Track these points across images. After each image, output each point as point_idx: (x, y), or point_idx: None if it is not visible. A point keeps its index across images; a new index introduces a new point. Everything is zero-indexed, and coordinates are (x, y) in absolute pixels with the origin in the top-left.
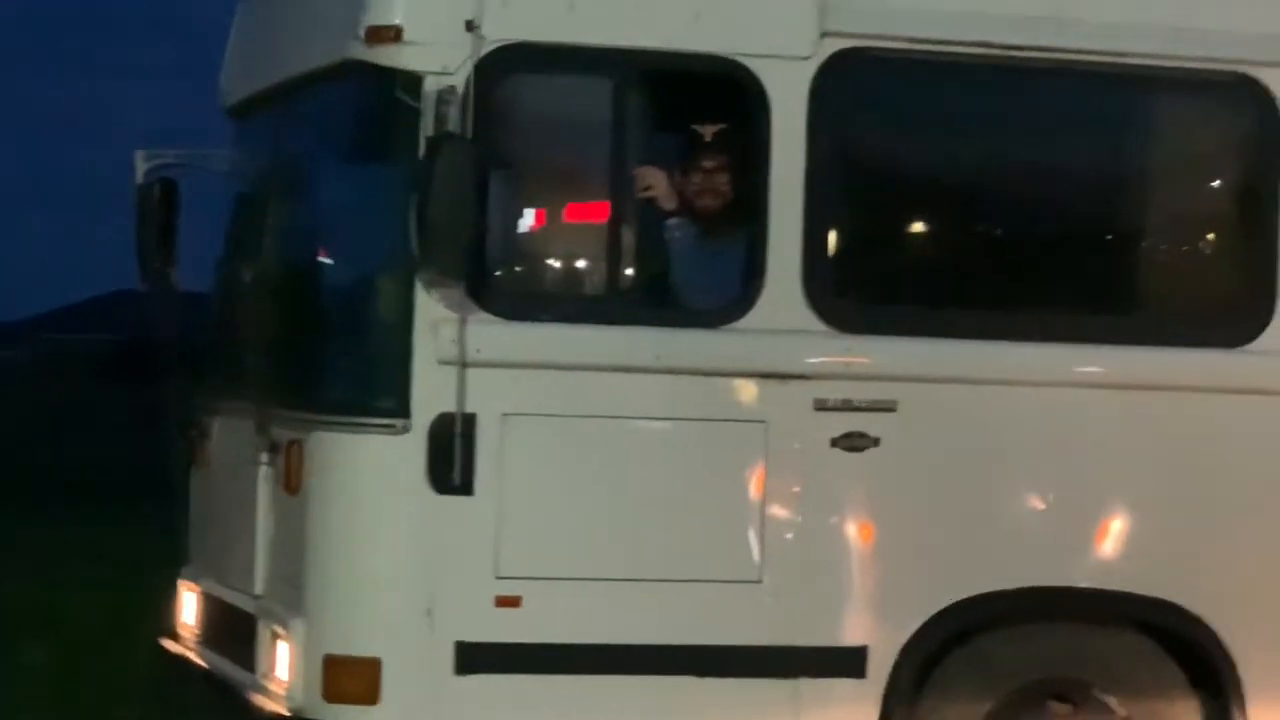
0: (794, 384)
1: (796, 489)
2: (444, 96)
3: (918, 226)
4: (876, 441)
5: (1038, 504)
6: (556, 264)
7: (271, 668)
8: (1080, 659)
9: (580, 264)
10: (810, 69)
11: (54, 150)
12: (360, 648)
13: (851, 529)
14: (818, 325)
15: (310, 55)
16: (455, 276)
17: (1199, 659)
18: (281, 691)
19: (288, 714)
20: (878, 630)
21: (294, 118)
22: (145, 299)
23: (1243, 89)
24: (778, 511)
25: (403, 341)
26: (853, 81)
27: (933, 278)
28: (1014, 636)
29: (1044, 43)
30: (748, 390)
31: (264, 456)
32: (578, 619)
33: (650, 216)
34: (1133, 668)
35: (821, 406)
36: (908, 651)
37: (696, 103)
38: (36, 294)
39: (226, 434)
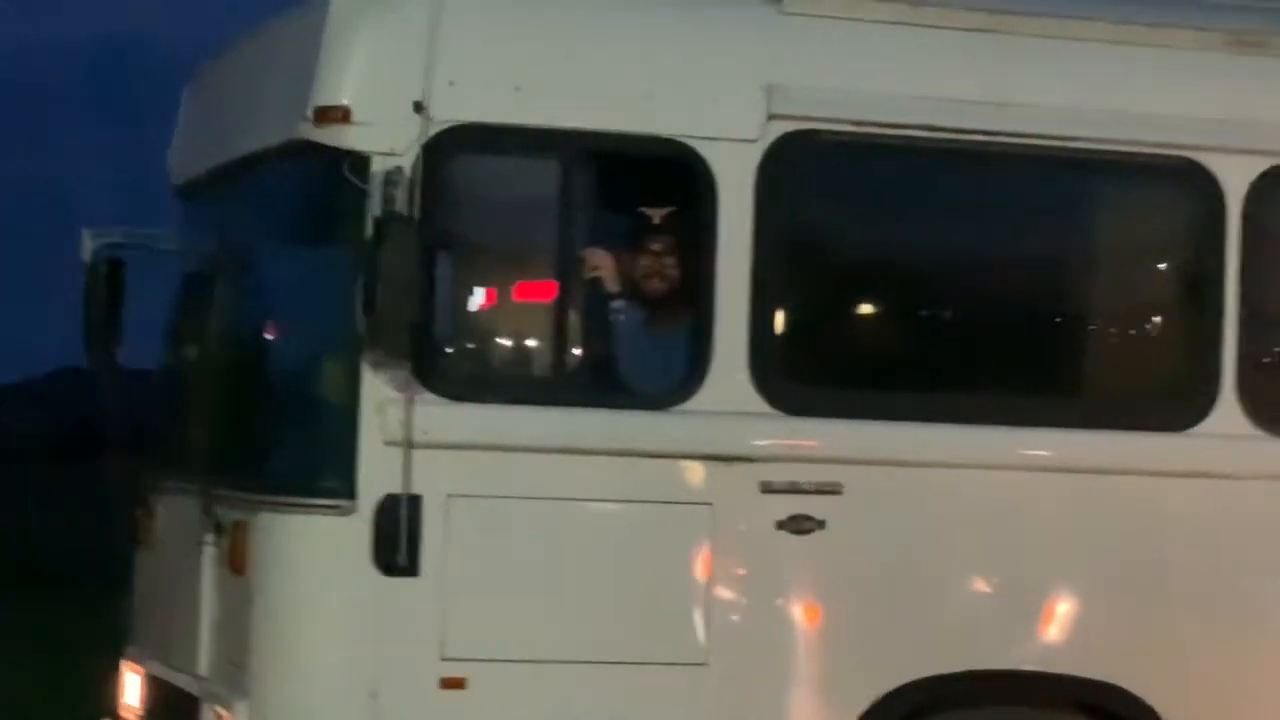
0: (740, 466)
1: (742, 571)
2: (391, 177)
3: (864, 309)
4: (822, 524)
5: (983, 587)
6: (503, 345)
7: None
8: None
9: (527, 345)
10: (757, 151)
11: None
12: None
13: (797, 612)
14: (764, 407)
15: (258, 135)
16: (402, 357)
17: None
18: None
19: None
20: (823, 714)
21: (242, 197)
22: (92, 377)
23: (1188, 173)
24: (724, 594)
25: (349, 422)
26: (799, 164)
27: (879, 360)
28: None
29: (988, 126)
30: (694, 472)
31: (209, 537)
32: (524, 701)
33: (598, 298)
34: None
35: (768, 489)
36: None
37: (644, 184)
38: None
39: (172, 513)
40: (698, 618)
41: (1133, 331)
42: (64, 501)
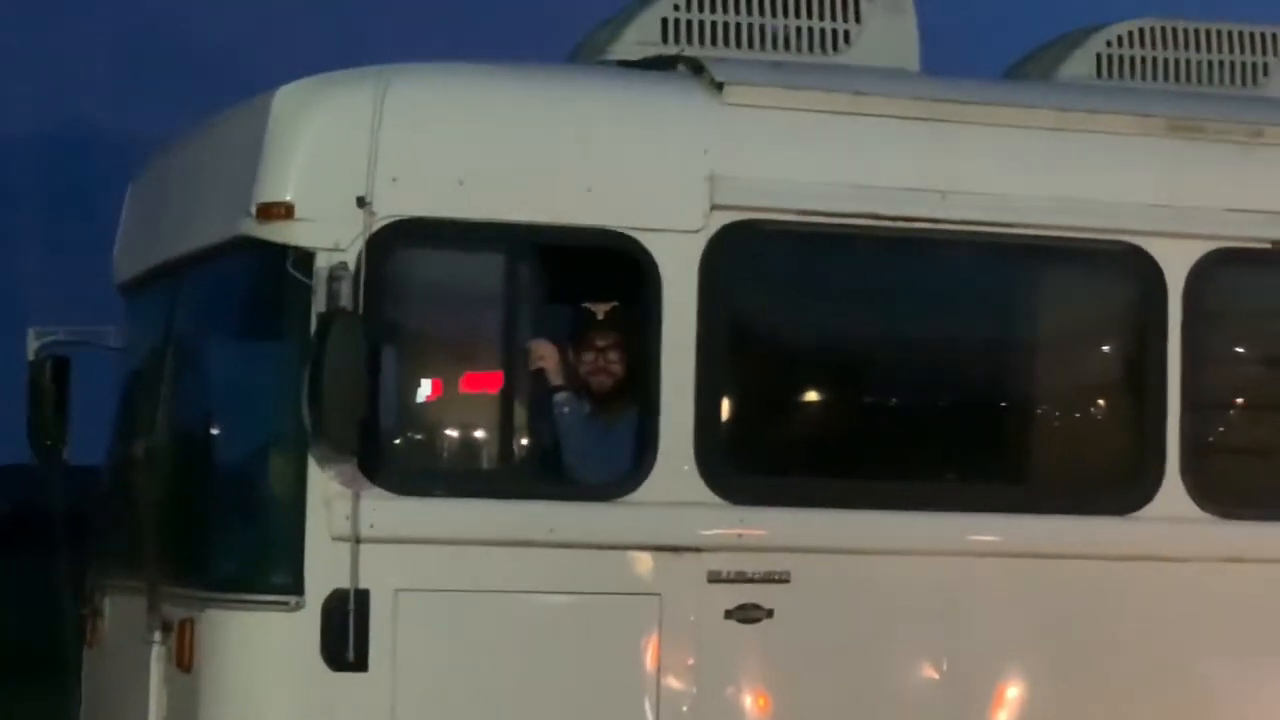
0: (688, 556)
1: (691, 661)
2: (335, 272)
3: (810, 397)
4: (770, 613)
5: (931, 673)
6: (450, 437)
7: None
8: None
9: (474, 437)
10: (700, 241)
11: None
12: None
13: (746, 700)
14: (711, 497)
15: (202, 231)
16: (348, 452)
17: None
18: None
19: None
20: None
21: (186, 294)
22: (37, 473)
23: (1129, 258)
24: (673, 683)
25: (296, 517)
26: (743, 254)
27: (825, 448)
28: None
29: (930, 214)
30: (642, 563)
31: (156, 634)
32: None
33: (543, 390)
34: None
35: (715, 579)
36: None
37: (588, 276)
38: None
39: (119, 611)
40: (647, 708)
41: (1078, 415)
42: (9, 596)
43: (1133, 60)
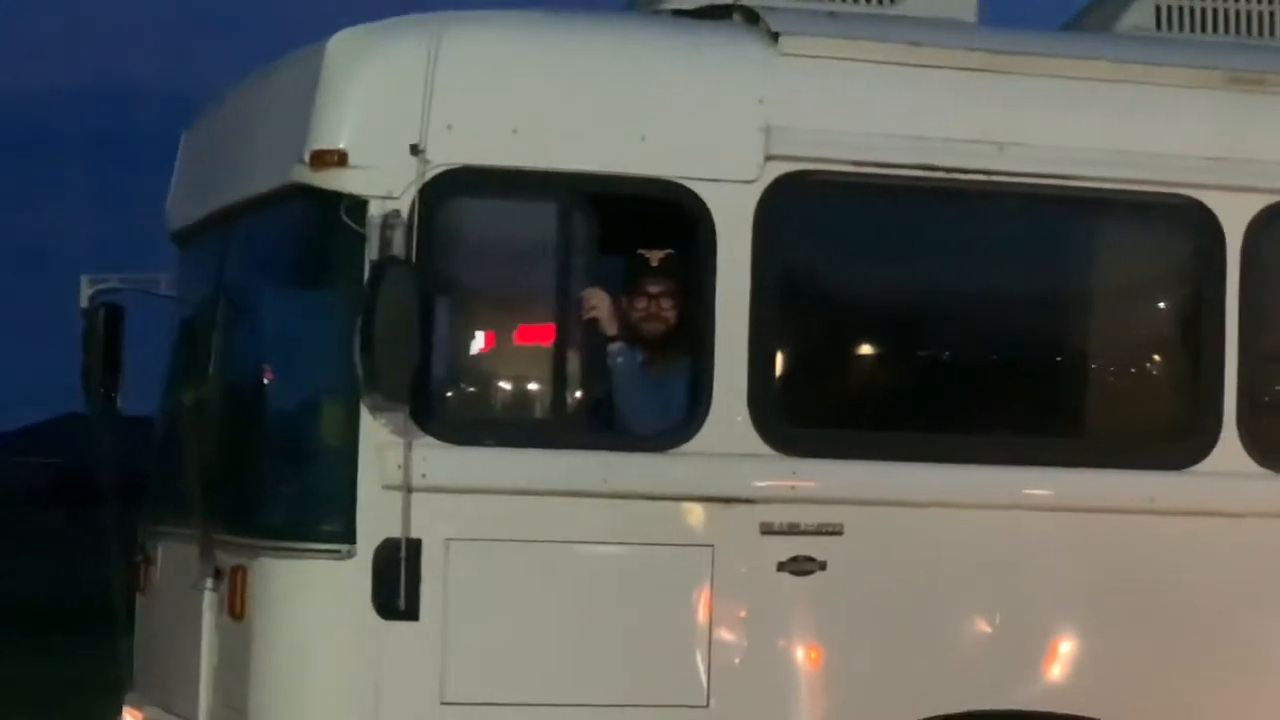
0: (740, 508)
1: (743, 613)
2: (389, 221)
3: (863, 349)
4: (823, 565)
5: (984, 627)
6: (502, 387)
7: None
8: None
9: (526, 387)
10: (755, 192)
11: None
12: None
13: (798, 653)
14: (764, 449)
15: (255, 180)
16: (400, 401)
17: None
18: None
19: None
20: None
21: (239, 242)
22: (90, 424)
23: (1187, 211)
24: (725, 635)
25: (348, 466)
26: (797, 205)
27: (878, 400)
28: None
29: (986, 166)
30: (694, 514)
31: (208, 582)
32: None
33: (596, 340)
34: None
35: (768, 530)
36: None
37: (641, 226)
38: None
39: (171, 559)
40: (699, 660)
41: (1134, 369)
42: (64, 546)
43: (1192, 11)
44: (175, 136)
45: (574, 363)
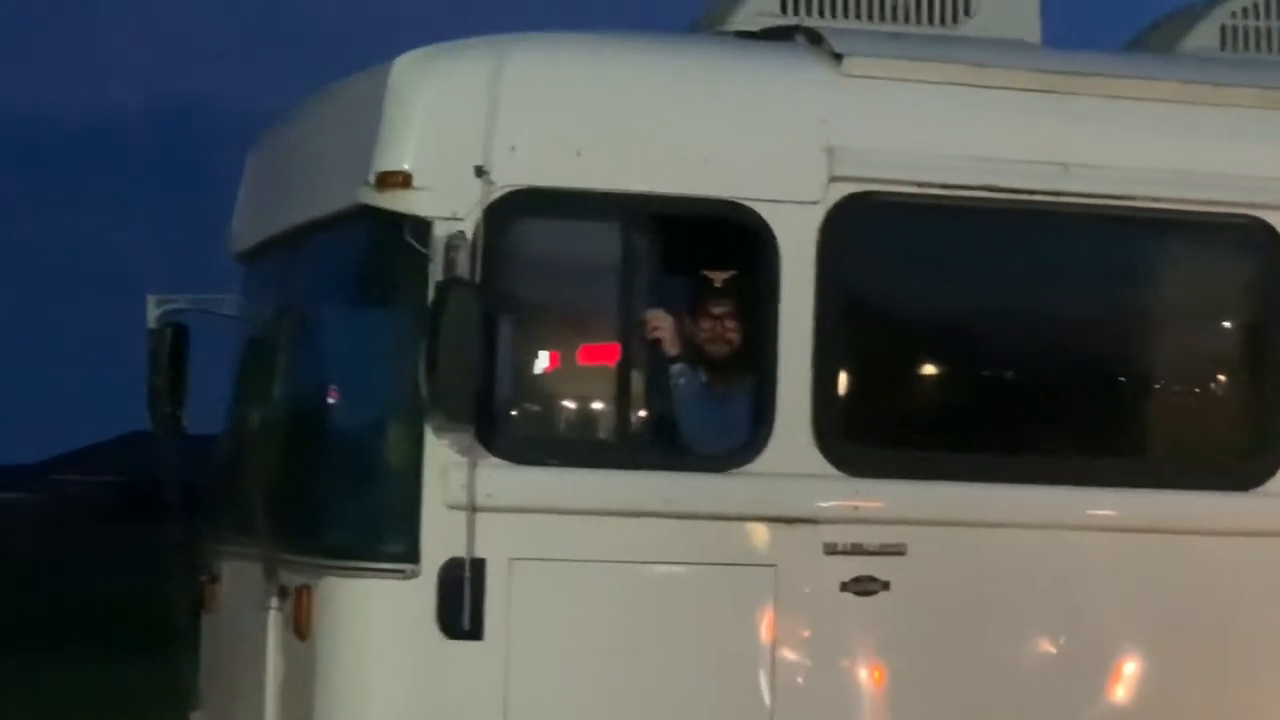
0: (804, 528)
1: (806, 633)
2: (453, 241)
3: (927, 370)
4: (886, 585)
5: (1047, 648)
6: (566, 407)
7: None
8: None
9: (589, 408)
10: (819, 213)
11: (64, 294)
12: None
13: (862, 674)
14: (828, 469)
15: (320, 201)
16: (464, 421)
17: None
18: None
19: None
20: None
21: (304, 262)
22: (155, 442)
23: (1252, 231)
24: (788, 656)
25: (412, 486)
26: (861, 225)
27: (942, 421)
28: None
29: (1051, 187)
30: (758, 534)
31: (274, 601)
32: None
33: (659, 361)
34: None
35: (831, 550)
36: None
37: (705, 247)
38: (46, 437)
39: (236, 578)
40: (762, 680)
41: (1197, 390)
42: (126, 563)
43: (1257, 31)
44: (241, 156)
45: (637, 383)
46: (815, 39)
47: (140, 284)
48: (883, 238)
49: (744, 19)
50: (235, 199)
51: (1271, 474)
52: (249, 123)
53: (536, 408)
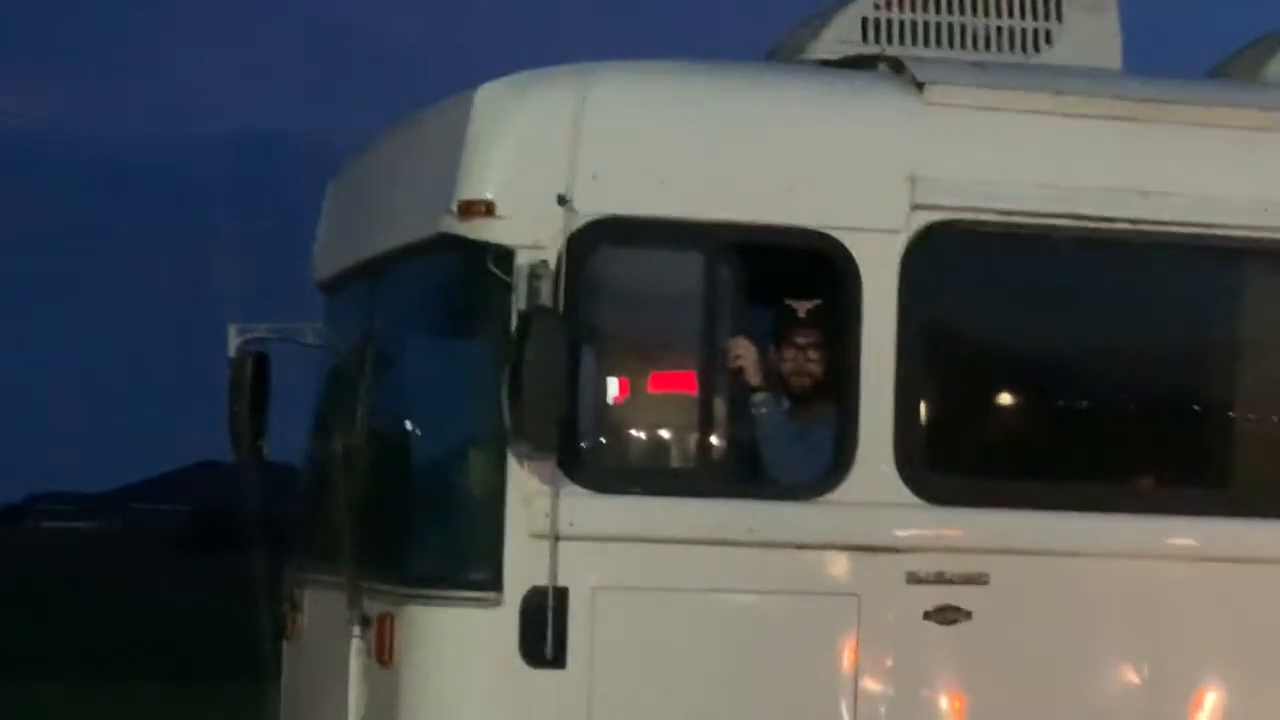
0: (886, 556)
1: (889, 662)
2: (536, 270)
3: (1008, 398)
4: (969, 614)
5: (1130, 678)
6: (647, 436)
7: None
8: None
9: (671, 437)
10: (901, 241)
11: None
12: None
13: (943, 702)
14: (910, 498)
15: (403, 230)
16: (548, 449)
17: None
18: None
19: None
20: None
21: (386, 291)
22: (236, 470)
23: None
24: (871, 685)
25: (495, 514)
26: (943, 254)
27: (1024, 450)
28: None
29: (1132, 215)
30: (840, 563)
31: (356, 629)
32: None
33: (741, 390)
34: None
35: (914, 579)
36: None
37: (787, 276)
38: (122, 465)
39: (318, 606)
40: (844, 710)
41: (1279, 419)
42: (206, 592)
43: None
44: (322, 185)
45: (719, 412)
46: (897, 67)
47: (219, 314)
48: (964, 266)
49: (824, 47)
50: (316, 228)
51: None
52: (330, 153)
53: (619, 436)
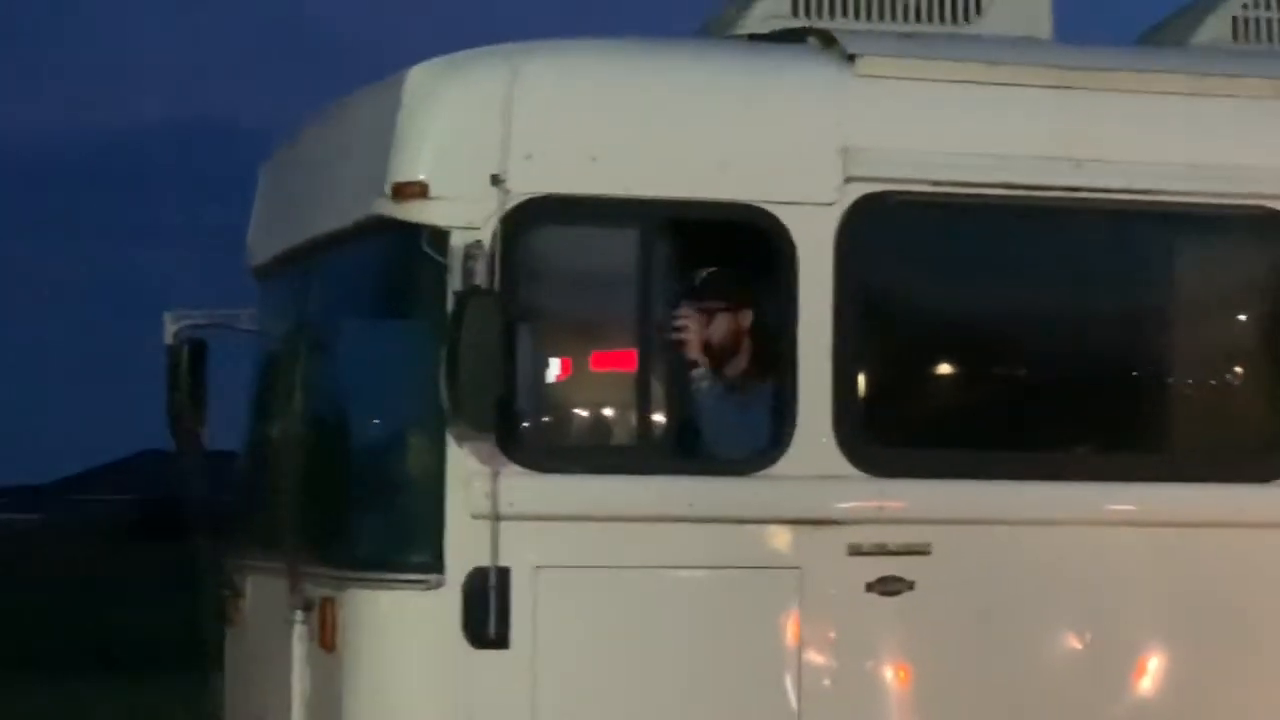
0: (828, 529)
1: (832, 635)
2: (471, 251)
3: (947, 369)
4: (911, 585)
5: (1073, 645)
6: (587, 415)
7: None
8: None
9: (610, 414)
10: (835, 214)
11: (80, 314)
12: None
13: (888, 674)
14: (850, 470)
15: (336, 213)
16: (486, 430)
17: None
18: None
19: None
20: None
21: (321, 275)
22: (175, 459)
23: (1268, 224)
24: (814, 658)
25: (435, 496)
26: (877, 226)
27: (964, 419)
28: None
29: (1065, 183)
30: (781, 537)
31: (298, 614)
32: None
33: (680, 366)
34: None
35: (856, 551)
36: None
37: (722, 251)
38: (63, 457)
39: (260, 592)
40: (789, 682)
41: (1216, 383)
42: (150, 582)
43: (1269, 23)
44: (256, 170)
45: (658, 388)
46: (828, 40)
47: (158, 301)
48: (899, 237)
49: (754, 22)
50: (251, 213)
51: None
52: (266, 139)
53: (558, 415)
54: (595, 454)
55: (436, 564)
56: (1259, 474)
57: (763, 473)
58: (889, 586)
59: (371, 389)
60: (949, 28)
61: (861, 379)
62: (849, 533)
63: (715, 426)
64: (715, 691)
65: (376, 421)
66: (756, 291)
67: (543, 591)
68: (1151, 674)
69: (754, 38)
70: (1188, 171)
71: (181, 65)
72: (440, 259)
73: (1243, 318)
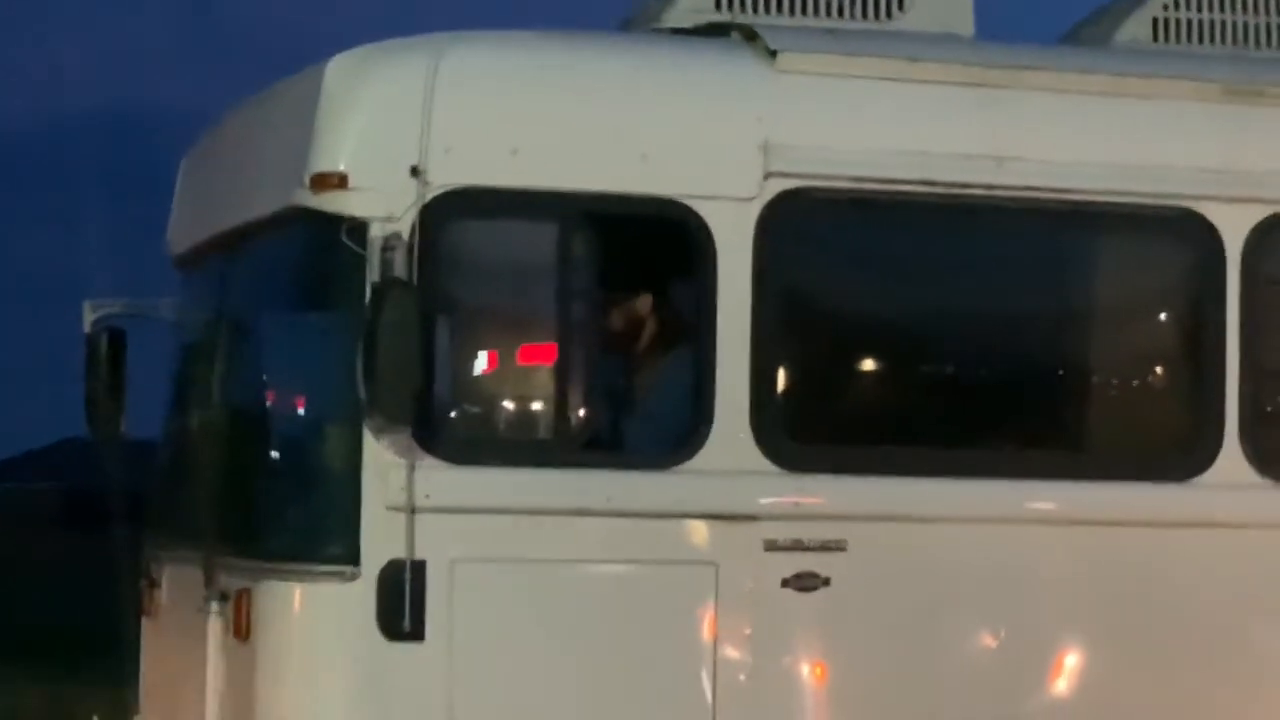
0: (744, 525)
1: (748, 630)
2: (389, 242)
3: (866, 365)
4: (827, 581)
5: (989, 642)
6: (505, 407)
7: None
8: None
9: (529, 407)
10: (755, 209)
11: None
12: None
13: (804, 670)
14: (767, 465)
15: (256, 203)
16: (403, 422)
17: None
18: None
19: None
20: None
21: (240, 266)
22: (93, 448)
23: (1187, 223)
24: (730, 653)
25: (351, 488)
26: (797, 221)
27: (882, 416)
28: None
29: (985, 180)
30: (698, 532)
31: (214, 605)
32: None
33: (598, 359)
34: None
35: (772, 547)
36: None
37: (642, 245)
38: None
39: (176, 582)
40: (704, 677)
41: (1135, 382)
42: (67, 571)
43: (1190, 24)
44: (177, 160)
45: (576, 382)
46: (750, 35)
47: (77, 290)
48: (819, 233)
49: (678, 16)
50: (171, 203)
51: (1208, 465)
52: (187, 128)
53: (475, 408)
54: (512, 447)
55: (352, 556)
56: (1176, 473)
57: (680, 467)
58: (805, 582)
59: (289, 380)
60: (872, 24)
61: (779, 375)
62: (765, 528)
63: (633, 420)
64: (631, 686)
65: (294, 413)
66: (676, 286)
67: (459, 584)
68: (1068, 672)
69: (677, 32)
70: (1108, 171)
71: (101, 55)
72: (359, 250)
73: (1162, 317)
